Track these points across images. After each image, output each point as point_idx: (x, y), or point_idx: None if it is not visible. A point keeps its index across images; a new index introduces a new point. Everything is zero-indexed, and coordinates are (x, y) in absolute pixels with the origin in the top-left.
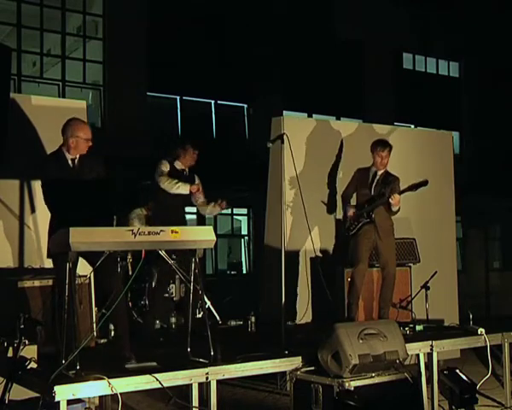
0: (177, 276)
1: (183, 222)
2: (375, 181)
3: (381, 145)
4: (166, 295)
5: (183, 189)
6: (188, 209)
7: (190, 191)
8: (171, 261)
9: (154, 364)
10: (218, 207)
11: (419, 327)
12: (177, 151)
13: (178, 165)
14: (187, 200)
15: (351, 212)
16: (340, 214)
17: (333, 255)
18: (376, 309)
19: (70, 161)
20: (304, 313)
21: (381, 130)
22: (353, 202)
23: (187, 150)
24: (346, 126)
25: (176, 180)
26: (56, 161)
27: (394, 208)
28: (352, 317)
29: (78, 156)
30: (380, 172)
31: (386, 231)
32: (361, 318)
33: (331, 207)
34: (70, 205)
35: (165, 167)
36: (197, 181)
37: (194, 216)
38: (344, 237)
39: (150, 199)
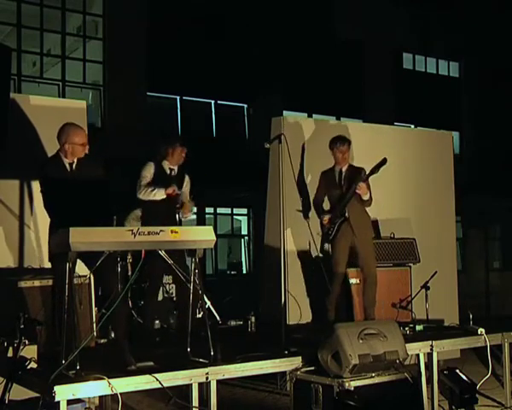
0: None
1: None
2: (343, 178)
3: (341, 141)
4: (166, 295)
5: (159, 195)
6: None
7: (168, 195)
8: (170, 261)
9: (151, 363)
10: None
11: (419, 327)
12: (165, 150)
13: (166, 164)
14: (174, 200)
15: (326, 218)
16: (313, 218)
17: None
18: (378, 310)
19: (68, 166)
20: (304, 313)
21: (379, 130)
22: (326, 206)
23: (175, 149)
24: (346, 126)
25: (151, 188)
26: (54, 165)
27: (364, 197)
28: (329, 320)
29: (75, 160)
30: (344, 169)
31: (361, 228)
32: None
33: (305, 213)
34: (68, 208)
35: (149, 172)
36: (186, 180)
37: (194, 216)
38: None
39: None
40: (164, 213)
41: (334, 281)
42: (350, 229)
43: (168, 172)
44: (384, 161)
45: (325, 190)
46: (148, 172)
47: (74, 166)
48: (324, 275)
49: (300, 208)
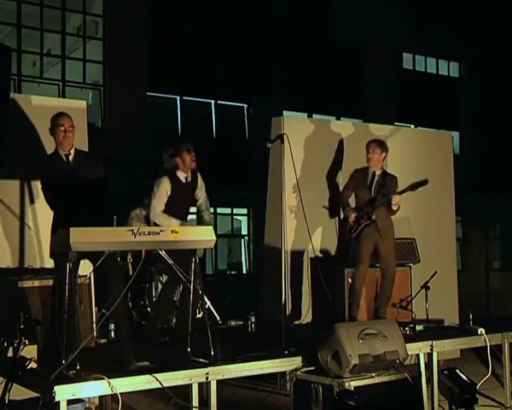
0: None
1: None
2: (375, 182)
3: (378, 144)
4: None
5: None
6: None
7: None
8: (170, 261)
9: (147, 363)
10: None
11: (419, 327)
12: (175, 162)
13: (180, 174)
14: (191, 205)
15: (352, 216)
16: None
17: (333, 255)
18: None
19: (64, 157)
20: (304, 313)
21: (379, 130)
22: (351, 202)
23: (184, 159)
24: (346, 126)
25: (168, 220)
26: (52, 160)
27: (395, 208)
28: (354, 317)
29: (72, 153)
30: (378, 173)
31: (386, 231)
32: (364, 318)
33: (333, 212)
34: (68, 204)
35: (164, 190)
36: (200, 179)
37: (194, 216)
38: (344, 237)
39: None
40: (177, 213)
41: (357, 278)
42: (376, 231)
43: (184, 181)
44: (425, 182)
45: (354, 187)
46: (164, 190)
47: (71, 158)
48: (320, 276)
49: (326, 205)
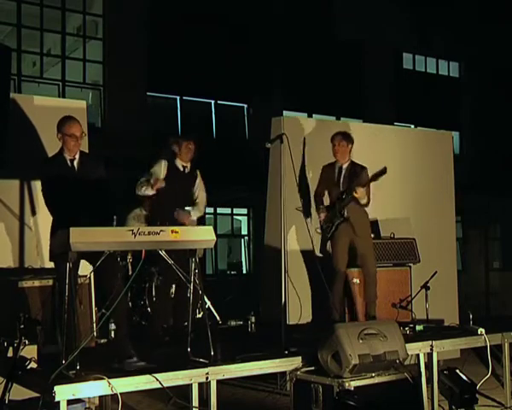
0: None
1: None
2: (342, 176)
3: (343, 136)
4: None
5: (148, 191)
6: None
7: (156, 189)
8: (170, 261)
9: (143, 364)
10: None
11: (419, 327)
12: (172, 147)
13: (178, 162)
14: (187, 198)
15: (322, 215)
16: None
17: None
18: (379, 310)
19: (69, 162)
20: (304, 313)
21: (380, 129)
22: (325, 200)
23: (181, 144)
24: (347, 126)
25: (145, 185)
26: (55, 162)
27: (362, 201)
28: (334, 320)
29: (77, 157)
30: (345, 166)
31: (361, 227)
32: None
33: (306, 212)
34: (69, 206)
35: (158, 168)
36: (198, 178)
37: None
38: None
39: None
40: (171, 212)
41: (336, 280)
42: (350, 228)
43: (181, 169)
44: (384, 171)
45: (325, 185)
46: (158, 169)
47: (76, 163)
48: (321, 275)
49: (300, 207)
